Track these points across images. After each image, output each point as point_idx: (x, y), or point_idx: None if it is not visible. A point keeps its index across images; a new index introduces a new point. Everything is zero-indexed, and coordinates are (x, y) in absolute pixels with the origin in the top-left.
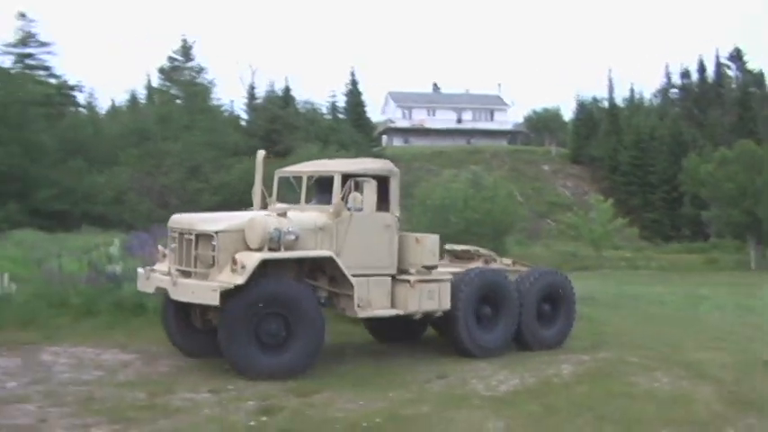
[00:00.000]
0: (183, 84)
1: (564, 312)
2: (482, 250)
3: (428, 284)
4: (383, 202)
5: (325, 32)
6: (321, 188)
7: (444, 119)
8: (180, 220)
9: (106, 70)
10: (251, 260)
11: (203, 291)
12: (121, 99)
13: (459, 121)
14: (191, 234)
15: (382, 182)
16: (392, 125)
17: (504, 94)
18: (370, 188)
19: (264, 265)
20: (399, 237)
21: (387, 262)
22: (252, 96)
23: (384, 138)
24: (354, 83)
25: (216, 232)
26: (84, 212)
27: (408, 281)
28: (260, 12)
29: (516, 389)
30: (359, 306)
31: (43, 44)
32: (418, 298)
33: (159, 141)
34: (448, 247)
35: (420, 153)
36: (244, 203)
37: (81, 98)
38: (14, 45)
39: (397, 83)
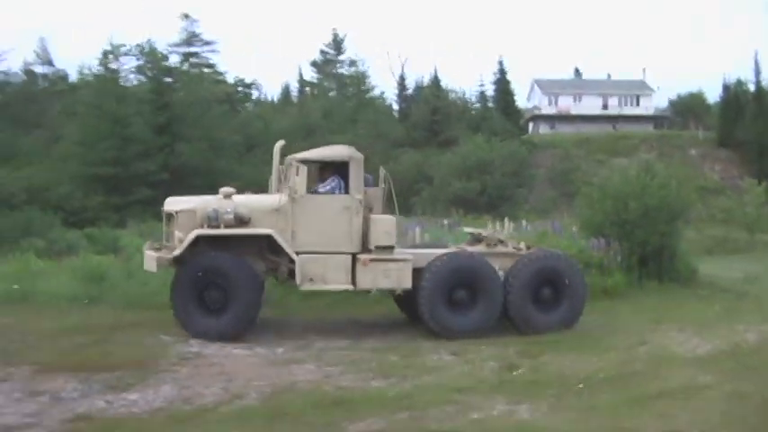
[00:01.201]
0: (336, 77)
1: (568, 297)
2: (486, 233)
3: (384, 264)
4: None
5: (468, 20)
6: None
7: (590, 105)
8: (167, 202)
9: (258, 64)
10: (188, 236)
11: (150, 261)
12: (273, 93)
13: (606, 106)
14: (167, 214)
15: (342, 167)
16: (538, 112)
17: (648, 79)
18: (303, 172)
19: (210, 241)
20: (365, 218)
21: (344, 241)
22: (403, 87)
23: (531, 125)
24: (503, 71)
25: (176, 212)
26: None
27: (363, 260)
28: (406, 2)
29: (711, 352)
30: (307, 280)
31: (207, 43)
32: (372, 276)
33: (326, 135)
34: (468, 230)
35: (567, 139)
36: (413, 193)
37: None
38: (179, 45)
39: (539, 69)
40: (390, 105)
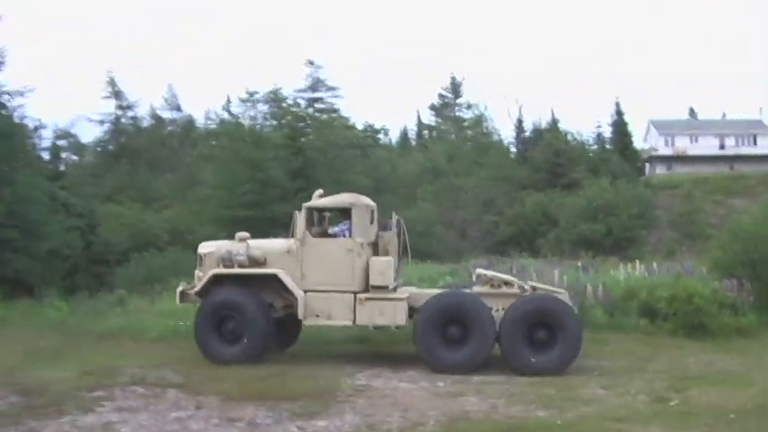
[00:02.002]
0: (454, 120)
1: (562, 338)
2: (490, 274)
3: (379, 302)
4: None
5: (583, 62)
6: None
7: (706, 145)
8: (200, 246)
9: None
10: (207, 275)
11: (177, 296)
12: (392, 136)
13: (722, 146)
14: (199, 256)
15: (345, 213)
16: (655, 153)
17: (765, 118)
18: (300, 218)
19: (222, 280)
20: (369, 260)
21: (347, 280)
22: (520, 129)
23: (647, 166)
24: (619, 113)
25: (203, 255)
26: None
27: (359, 298)
28: (520, 46)
29: None
30: (313, 316)
31: (331, 88)
32: (368, 313)
33: (452, 177)
34: (479, 271)
35: (684, 180)
36: (538, 235)
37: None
38: (304, 90)
39: (654, 109)
40: (508, 148)
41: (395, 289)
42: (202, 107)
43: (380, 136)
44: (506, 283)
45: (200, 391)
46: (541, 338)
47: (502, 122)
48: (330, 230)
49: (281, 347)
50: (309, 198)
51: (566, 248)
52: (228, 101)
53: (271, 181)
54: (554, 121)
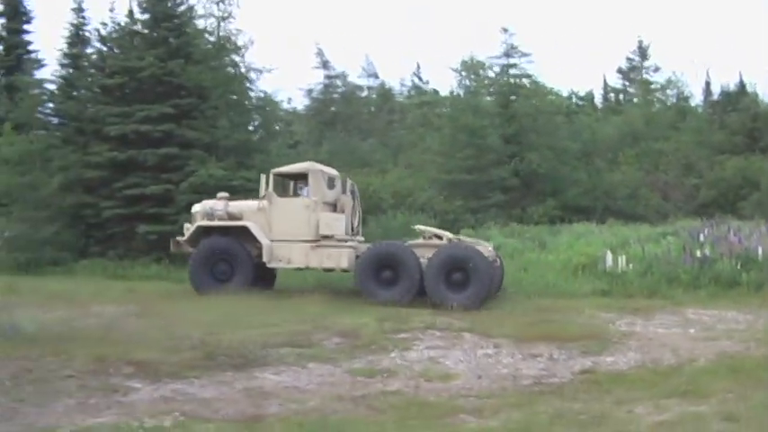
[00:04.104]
0: (641, 84)
1: (474, 280)
2: (427, 229)
3: (327, 249)
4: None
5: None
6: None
7: None
8: (193, 207)
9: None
10: (194, 226)
11: (172, 245)
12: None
13: None
14: (191, 214)
15: (303, 177)
16: None
17: None
18: (263, 180)
19: (207, 231)
20: (320, 215)
21: (304, 232)
22: (708, 93)
23: None
24: None
25: (193, 212)
26: (605, 207)
27: (312, 246)
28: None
29: None
30: (276, 260)
31: (524, 54)
32: (318, 258)
33: (651, 142)
34: (416, 227)
35: None
36: (739, 198)
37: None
38: (499, 57)
39: None
40: (703, 112)
41: (344, 240)
42: (395, 75)
43: (584, 102)
44: (437, 236)
45: (489, 334)
46: (458, 280)
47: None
48: (299, 191)
49: (262, 288)
50: (525, 163)
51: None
52: (418, 67)
53: (487, 147)
54: (742, 85)
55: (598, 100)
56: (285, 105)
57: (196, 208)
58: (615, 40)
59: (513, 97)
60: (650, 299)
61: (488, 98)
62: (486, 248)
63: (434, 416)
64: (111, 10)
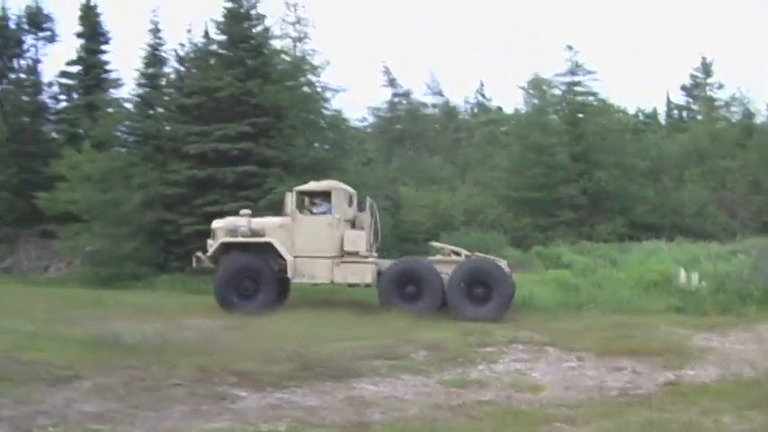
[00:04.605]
0: (705, 100)
1: (496, 293)
2: (445, 247)
3: (351, 265)
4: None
5: None
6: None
7: None
8: (213, 222)
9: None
10: (217, 242)
11: (194, 260)
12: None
13: None
14: (212, 230)
15: (326, 195)
16: None
17: None
18: (289, 199)
19: (228, 248)
20: (344, 232)
21: (327, 248)
22: None
23: None
24: None
25: (214, 228)
26: (673, 225)
27: (335, 262)
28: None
29: None
30: (300, 276)
31: (589, 72)
32: (342, 273)
33: (717, 159)
34: (433, 244)
35: None
36: None
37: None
38: (564, 75)
39: None
40: None
41: (366, 256)
42: (459, 92)
43: (648, 120)
44: (455, 253)
45: (570, 348)
46: (479, 294)
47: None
48: (316, 210)
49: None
50: (593, 181)
51: None
52: (482, 85)
53: (556, 165)
54: None
55: (661, 117)
56: (357, 124)
57: (218, 224)
58: (678, 57)
59: (580, 115)
60: (723, 315)
61: (554, 116)
62: (503, 264)
63: (530, 423)
64: (189, 31)
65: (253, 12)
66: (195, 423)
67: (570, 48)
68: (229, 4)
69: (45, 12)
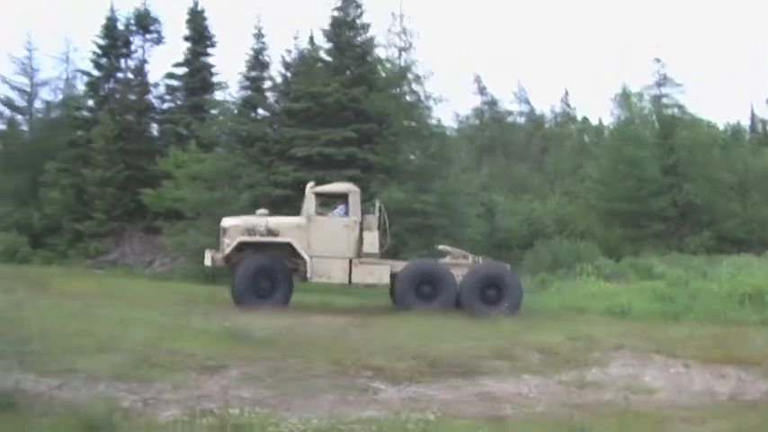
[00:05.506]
0: None
1: (507, 295)
2: (454, 250)
3: (368, 266)
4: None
5: None
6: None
7: None
8: (223, 220)
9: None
10: (234, 241)
11: (208, 259)
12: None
13: None
14: (222, 229)
15: (343, 197)
16: None
17: None
18: (308, 200)
19: (247, 247)
20: (361, 233)
21: (344, 249)
22: None
23: None
24: None
25: (228, 227)
26: (761, 240)
27: (355, 263)
28: None
29: None
30: (317, 276)
31: (677, 84)
32: (360, 274)
33: None
34: (441, 247)
35: None
36: None
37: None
38: (651, 87)
39: None
40: None
41: (380, 257)
42: (544, 101)
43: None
44: (464, 257)
45: (675, 355)
46: (492, 296)
47: None
48: (331, 212)
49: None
50: (683, 194)
51: None
52: (566, 94)
53: (646, 177)
54: None
55: (746, 130)
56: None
57: (230, 222)
58: (763, 70)
59: (670, 128)
60: None
61: (642, 129)
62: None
63: (651, 422)
64: (296, 38)
65: (358, 21)
66: (346, 410)
67: (658, 60)
68: (336, 13)
69: (153, 14)
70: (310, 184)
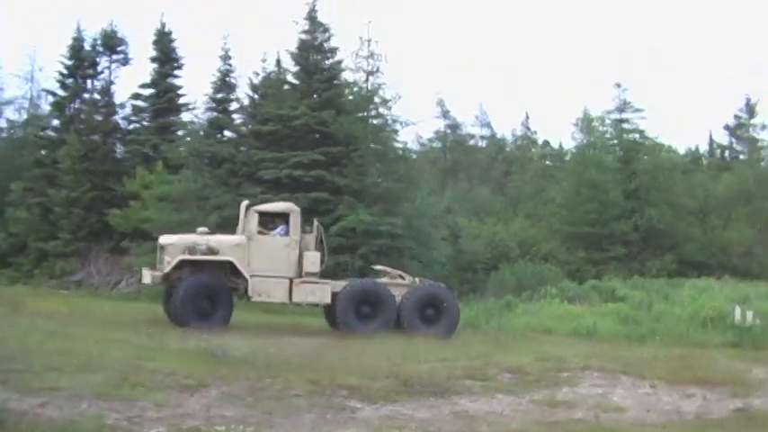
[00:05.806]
0: (748, 141)
1: (445, 315)
2: (392, 271)
3: (309, 285)
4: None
5: None
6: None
7: None
8: (160, 238)
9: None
10: (174, 259)
11: (146, 277)
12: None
13: None
14: (161, 246)
15: (284, 217)
16: None
17: None
18: (249, 219)
19: (186, 265)
20: (302, 253)
21: (284, 268)
22: None
23: None
24: None
25: (167, 244)
26: (720, 264)
27: (294, 282)
28: None
29: None
30: (257, 294)
31: (637, 110)
32: (302, 293)
33: (763, 200)
34: (378, 267)
35: None
36: None
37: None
38: (611, 112)
39: None
40: None
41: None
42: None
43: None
44: (401, 277)
45: (642, 375)
46: (431, 315)
47: None
48: (272, 232)
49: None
50: (645, 218)
51: None
52: (527, 117)
53: (609, 201)
54: None
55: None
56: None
57: (169, 240)
58: (722, 97)
59: (631, 153)
60: None
61: (603, 153)
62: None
63: None
64: (264, 60)
65: (326, 45)
66: (327, 429)
67: (619, 85)
68: (304, 36)
69: (119, 35)
70: (245, 203)
